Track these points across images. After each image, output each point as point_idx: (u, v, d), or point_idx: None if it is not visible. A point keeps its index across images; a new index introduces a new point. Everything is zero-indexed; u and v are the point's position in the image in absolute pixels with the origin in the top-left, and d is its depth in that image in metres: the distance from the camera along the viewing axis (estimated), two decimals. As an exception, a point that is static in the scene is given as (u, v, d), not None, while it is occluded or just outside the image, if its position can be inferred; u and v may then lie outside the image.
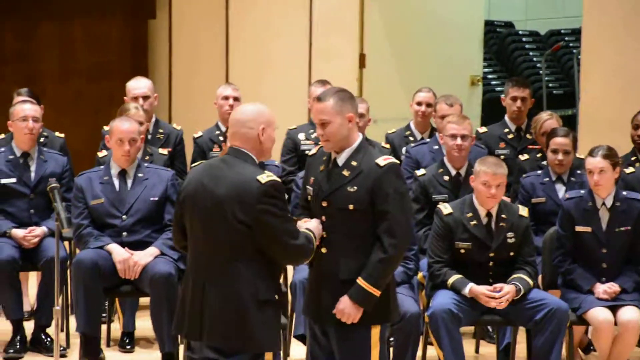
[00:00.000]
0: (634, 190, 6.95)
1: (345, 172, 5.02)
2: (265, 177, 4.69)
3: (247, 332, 4.66)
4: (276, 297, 4.74)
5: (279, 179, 4.76)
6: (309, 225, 4.94)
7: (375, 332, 5.03)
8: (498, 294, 6.21)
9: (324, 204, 5.05)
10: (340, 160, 5.05)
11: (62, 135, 8.08)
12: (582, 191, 6.71)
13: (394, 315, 5.12)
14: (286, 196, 7.68)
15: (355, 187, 4.98)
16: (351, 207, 4.98)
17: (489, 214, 6.39)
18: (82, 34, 11.16)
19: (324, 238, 5.04)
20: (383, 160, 5.00)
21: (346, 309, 4.94)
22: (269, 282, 4.72)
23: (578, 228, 6.61)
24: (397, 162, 5.08)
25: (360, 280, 4.94)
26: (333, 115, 4.99)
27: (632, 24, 9.40)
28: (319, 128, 5.03)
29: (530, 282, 6.31)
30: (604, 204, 6.60)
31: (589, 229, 6.60)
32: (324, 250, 5.04)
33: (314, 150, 5.25)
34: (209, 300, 4.70)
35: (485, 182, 6.32)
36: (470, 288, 6.25)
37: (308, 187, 5.16)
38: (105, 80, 11.00)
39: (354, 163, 5.02)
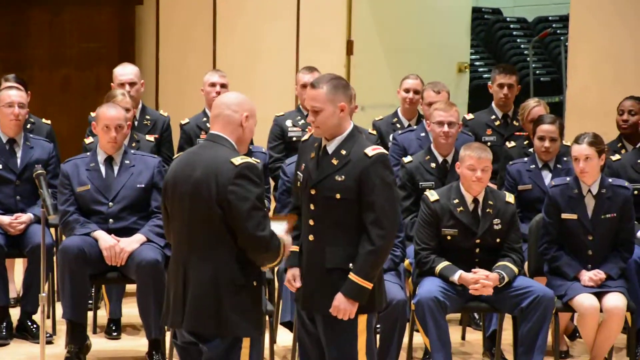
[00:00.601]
0: (620, 178, 6.97)
1: (334, 161, 5.01)
2: (239, 159, 4.64)
3: (222, 317, 4.63)
4: (254, 283, 4.70)
5: (254, 162, 4.70)
6: (283, 237, 4.85)
7: (362, 320, 5.02)
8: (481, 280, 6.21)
9: (312, 191, 5.04)
10: (330, 148, 5.04)
11: (49, 122, 8.05)
12: (568, 178, 6.72)
13: (379, 304, 5.11)
14: (272, 183, 7.80)
15: (343, 177, 4.97)
16: (338, 196, 4.97)
17: (475, 200, 6.40)
18: (71, 20, 11.14)
19: (311, 226, 5.04)
20: (372, 150, 4.98)
21: (341, 305, 4.94)
22: (247, 267, 4.67)
23: (564, 215, 6.62)
24: (386, 152, 5.06)
25: (351, 275, 4.94)
26: (325, 102, 4.97)
27: (620, 10, 9.41)
28: (311, 114, 5.02)
29: (515, 269, 6.32)
30: (589, 191, 6.62)
31: (574, 216, 6.61)
32: (311, 237, 5.04)
33: (306, 136, 5.24)
34: (188, 285, 4.69)
35: (470, 166, 6.32)
36: (459, 275, 6.26)
37: (299, 173, 5.16)
38: (92, 66, 10.98)
39: (343, 152, 5.01)
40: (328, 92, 4.97)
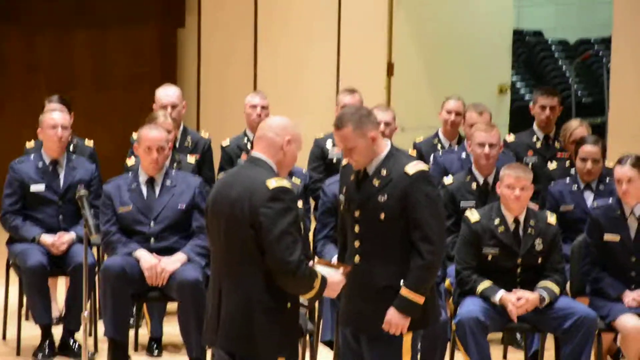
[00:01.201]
0: (663, 199, 6.91)
1: (375, 182, 5.02)
2: (274, 182, 4.64)
3: (255, 338, 4.62)
4: (288, 305, 4.67)
5: (289, 186, 4.67)
6: (329, 274, 4.80)
7: (408, 339, 5.02)
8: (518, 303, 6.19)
9: (356, 214, 5.05)
10: (370, 170, 5.05)
11: (92, 143, 8.12)
12: (610, 200, 6.69)
13: (430, 321, 5.11)
14: (312, 203, 7.81)
15: (386, 196, 4.98)
16: (382, 216, 4.98)
17: (516, 220, 6.37)
18: (115, 42, 11.25)
19: (357, 247, 5.03)
20: (412, 168, 4.99)
21: (393, 320, 4.95)
22: (280, 290, 4.65)
23: (606, 237, 6.58)
24: (427, 168, 5.07)
25: (403, 290, 4.95)
26: (355, 139, 4.98)
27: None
28: (346, 153, 5.03)
29: (557, 289, 6.28)
30: (632, 212, 6.57)
31: (617, 238, 6.56)
32: (357, 259, 5.04)
33: (345, 161, 5.23)
34: (222, 305, 4.70)
35: (509, 185, 6.31)
36: (501, 296, 6.23)
37: (340, 196, 5.17)
38: (135, 88, 11.06)
39: (383, 172, 5.02)
40: (355, 129, 4.98)
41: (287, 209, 4.61)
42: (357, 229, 5.04)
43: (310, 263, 4.80)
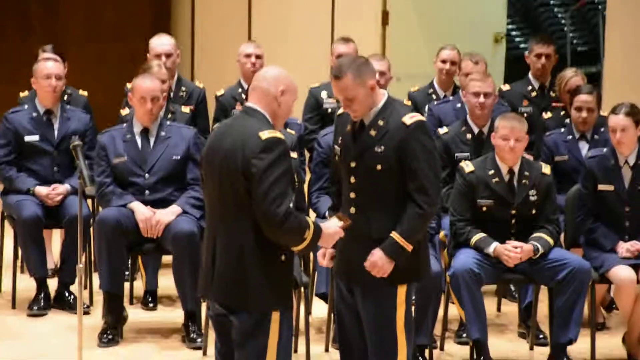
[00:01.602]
0: (658, 148, 6.91)
1: (372, 132, 4.99)
2: (267, 133, 4.59)
3: (249, 290, 4.60)
4: (282, 257, 4.65)
5: (282, 137, 4.62)
6: (325, 225, 4.77)
7: (402, 291, 5.02)
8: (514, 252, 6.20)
9: (352, 164, 5.03)
10: (367, 120, 5.03)
11: (86, 93, 8.09)
12: (605, 149, 6.68)
13: (422, 273, 5.11)
14: (307, 154, 7.79)
15: (383, 147, 4.96)
16: (379, 167, 4.96)
17: (510, 171, 6.37)
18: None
19: (352, 198, 5.02)
20: (410, 119, 4.96)
21: (379, 262, 4.93)
22: (273, 241, 4.63)
23: (600, 187, 6.58)
24: (424, 119, 5.04)
25: (394, 234, 4.94)
26: (355, 88, 4.94)
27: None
28: (345, 104, 4.99)
29: (551, 240, 6.29)
30: (626, 162, 6.57)
31: (611, 187, 6.57)
32: (352, 210, 5.02)
33: (342, 110, 5.18)
34: (216, 256, 4.69)
35: (504, 136, 6.30)
36: (494, 248, 6.24)
37: (335, 146, 5.14)
38: (127, 38, 11.00)
39: (380, 122, 5.00)
40: (354, 78, 4.94)
41: (278, 159, 4.57)
42: (352, 180, 5.03)
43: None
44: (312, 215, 6.66)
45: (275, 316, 4.64)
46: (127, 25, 11.13)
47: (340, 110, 5.20)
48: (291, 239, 4.62)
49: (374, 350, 5.01)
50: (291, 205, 4.58)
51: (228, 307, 4.68)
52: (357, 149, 5.02)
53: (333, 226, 4.79)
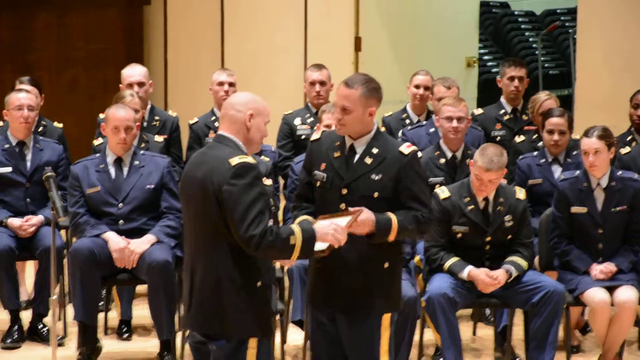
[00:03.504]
0: (630, 170, 6.95)
1: (368, 160, 4.99)
2: (237, 159, 4.60)
3: (226, 317, 4.61)
4: (258, 283, 4.65)
5: (252, 161, 4.62)
6: (317, 226, 4.73)
7: (386, 317, 5.04)
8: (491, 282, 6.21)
9: (344, 191, 5.00)
10: (359, 148, 5.02)
11: (61, 125, 8.06)
12: (577, 172, 6.71)
13: (400, 303, 5.14)
14: (282, 181, 7.80)
15: (380, 175, 4.96)
16: (376, 195, 4.95)
17: (486, 199, 6.38)
18: (78, 22, 11.15)
19: None
20: (406, 148, 4.99)
21: (368, 221, 4.84)
22: (249, 268, 4.64)
23: (573, 209, 6.61)
24: (418, 149, 5.06)
25: (392, 216, 4.90)
26: (357, 104, 4.94)
27: (628, 1, 9.39)
28: (338, 112, 4.97)
29: (524, 264, 6.31)
30: (599, 184, 6.60)
31: (584, 210, 6.60)
32: None
33: (316, 135, 5.19)
34: (195, 285, 4.69)
35: (478, 176, 6.30)
36: (468, 272, 6.25)
37: (318, 172, 5.09)
38: (100, 68, 10.99)
39: (374, 150, 5.00)
40: (362, 95, 4.95)
41: (250, 184, 4.56)
42: (342, 206, 4.98)
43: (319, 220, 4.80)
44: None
45: (253, 343, 4.65)
46: (99, 55, 11.12)
47: (315, 136, 5.19)
48: (279, 253, 4.61)
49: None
50: (270, 224, 4.57)
51: (206, 335, 4.68)
52: (350, 175, 5.00)
53: (324, 223, 4.75)
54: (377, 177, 4.96)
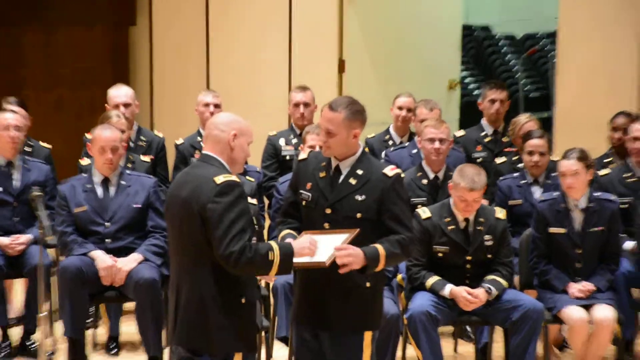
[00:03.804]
0: (608, 192, 7.06)
1: (352, 181, 5.06)
2: (222, 177, 4.67)
3: (211, 334, 4.68)
4: (242, 300, 4.73)
5: (237, 180, 4.70)
6: (295, 241, 4.83)
7: (368, 335, 5.10)
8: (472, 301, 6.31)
9: (328, 211, 5.07)
10: (344, 169, 5.09)
11: (49, 146, 8.11)
12: (555, 193, 6.81)
13: (381, 321, 5.21)
14: (266, 201, 7.88)
15: (364, 196, 5.02)
16: (359, 215, 5.01)
17: (466, 219, 6.48)
18: (64, 41, 11.17)
19: None
20: (390, 171, 5.05)
21: (354, 256, 4.86)
22: (232, 285, 4.71)
23: (552, 229, 6.72)
24: (401, 171, 5.13)
25: (379, 247, 4.94)
26: (340, 127, 5.01)
27: (607, 25, 9.49)
28: (323, 135, 5.05)
29: (504, 283, 6.41)
30: (576, 205, 6.71)
31: (562, 230, 6.71)
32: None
33: (304, 155, 5.26)
34: (179, 302, 4.76)
35: (460, 197, 6.40)
36: (450, 290, 6.36)
37: (303, 192, 5.16)
38: (86, 87, 11.02)
39: (359, 172, 5.06)
40: (345, 118, 5.01)
41: (234, 202, 4.63)
42: (326, 226, 5.05)
43: (303, 234, 4.85)
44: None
45: (238, 357, 4.72)
46: (85, 74, 11.16)
47: (302, 156, 5.26)
48: (258, 269, 4.67)
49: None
50: (253, 241, 4.64)
51: (192, 351, 4.74)
52: (334, 196, 5.07)
53: (302, 239, 4.82)
54: (360, 198, 5.02)
